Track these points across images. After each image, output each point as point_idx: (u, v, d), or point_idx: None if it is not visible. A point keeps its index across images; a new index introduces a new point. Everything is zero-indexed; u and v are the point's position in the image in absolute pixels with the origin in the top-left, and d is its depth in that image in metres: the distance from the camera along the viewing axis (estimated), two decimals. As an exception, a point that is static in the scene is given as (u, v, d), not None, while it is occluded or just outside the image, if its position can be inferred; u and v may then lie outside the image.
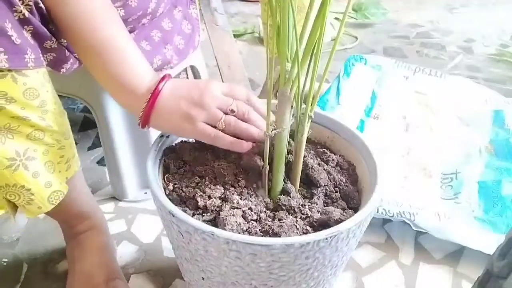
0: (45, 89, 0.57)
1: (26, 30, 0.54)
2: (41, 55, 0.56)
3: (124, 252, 0.82)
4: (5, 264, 0.80)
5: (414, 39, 1.73)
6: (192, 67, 1.01)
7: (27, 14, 0.53)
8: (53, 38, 0.58)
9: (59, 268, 0.79)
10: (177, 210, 0.53)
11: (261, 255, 0.50)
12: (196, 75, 1.03)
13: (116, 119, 0.84)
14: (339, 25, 0.52)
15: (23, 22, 0.53)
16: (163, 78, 0.59)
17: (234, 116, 0.60)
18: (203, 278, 0.58)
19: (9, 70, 0.52)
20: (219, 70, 1.05)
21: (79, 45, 0.59)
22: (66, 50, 0.62)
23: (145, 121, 0.59)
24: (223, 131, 0.59)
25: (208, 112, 0.58)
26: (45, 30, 0.56)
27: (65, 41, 0.61)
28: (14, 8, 0.51)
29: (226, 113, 0.59)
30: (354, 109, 1.05)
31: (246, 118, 0.60)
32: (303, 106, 0.57)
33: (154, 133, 0.88)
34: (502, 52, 1.64)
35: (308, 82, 0.56)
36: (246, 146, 0.59)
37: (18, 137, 0.57)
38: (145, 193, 0.94)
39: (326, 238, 0.51)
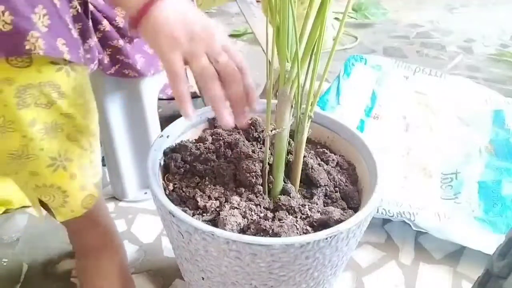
0: (88, 88, 0.57)
1: (76, 27, 0.54)
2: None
3: (124, 252, 0.82)
4: (5, 264, 0.80)
5: (414, 39, 1.73)
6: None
7: (80, 10, 0.54)
8: (94, 37, 0.58)
9: (59, 268, 0.79)
10: (177, 210, 0.53)
11: (261, 255, 0.50)
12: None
13: (116, 119, 0.84)
14: (339, 25, 0.52)
15: (76, 18, 0.54)
16: None
17: (215, 67, 0.52)
18: (203, 278, 0.58)
19: (65, 64, 0.52)
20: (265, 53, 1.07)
21: None
22: (97, 51, 0.61)
23: (136, 20, 0.52)
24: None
25: (195, 47, 0.52)
26: (92, 29, 0.57)
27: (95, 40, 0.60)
28: (70, 4, 0.52)
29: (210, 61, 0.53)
30: (354, 109, 1.05)
31: (226, 78, 0.53)
32: (303, 106, 0.57)
33: (154, 133, 0.88)
34: (502, 52, 1.64)
35: (308, 82, 0.56)
36: (189, 112, 0.52)
37: (61, 137, 0.57)
38: (145, 193, 0.95)
39: (326, 238, 0.51)
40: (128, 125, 0.87)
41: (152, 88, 0.85)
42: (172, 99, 1.22)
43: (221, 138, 0.66)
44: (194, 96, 1.21)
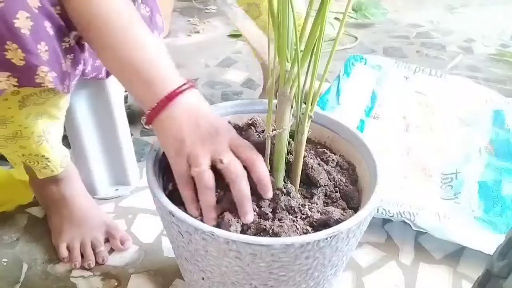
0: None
1: (68, 58, 0.61)
2: (72, 81, 0.64)
3: (124, 252, 0.82)
4: (5, 264, 0.80)
5: (414, 39, 1.73)
6: None
7: (72, 44, 0.60)
8: (83, 64, 0.65)
9: (59, 268, 0.79)
10: (177, 210, 0.53)
11: (261, 255, 0.50)
12: None
13: (83, 117, 0.85)
14: (339, 25, 0.52)
15: (68, 51, 0.60)
16: (186, 84, 0.55)
17: (218, 167, 0.53)
18: (203, 278, 0.58)
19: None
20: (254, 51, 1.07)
21: (105, 48, 0.57)
22: (83, 67, 0.68)
23: (150, 119, 0.55)
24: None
25: (194, 151, 0.53)
26: (81, 57, 0.64)
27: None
28: (64, 38, 0.59)
29: (214, 164, 0.54)
30: (354, 109, 1.05)
31: (229, 177, 0.53)
32: (303, 106, 0.57)
33: (122, 130, 0.90)
34: (502, 52, 1.64)
35: (308, 82, 0.56)
36: (194, 213, 0.55)
37: (46, 118, 0.69)
38: (116, 189, 0.94)
39: (326, 238, 0.51)
40: (95, 122, 0.87)
41: (118, 85, 0.86)
42: None
43: None
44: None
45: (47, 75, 0.56)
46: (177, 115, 0.54)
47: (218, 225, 0.54)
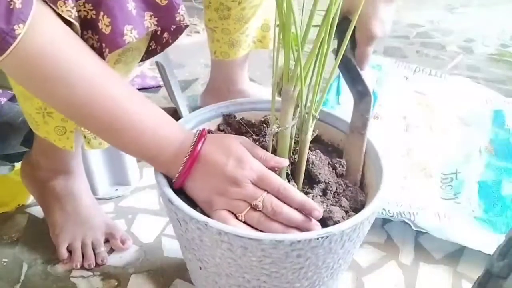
0: None
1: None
2: None
3: (124, 252, 0.82)
4: (5, 264, 0.80)
5: (414, 39, 1.73)
6: (157, 63, 1.05)
7: None
8: None
9: (59, 268, 0.79)
10: (175, 198, 0.55)
11: (251, 249, 0.51)
12: (161, 70, 1.07)
13: None
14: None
15: None
16: (200, 138, 0.57)
17: (260, 211, 0.55)
18: (200, 268, 0.60)
19: None
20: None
21: (95, 126, 0.57)
22: None
23: (180, 185, 0.58)
24: None
25: (229, 204, 0.55)
26: None
27: None
28: None
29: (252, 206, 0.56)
30: (354, 109, 1.04)
31: (273, 215, 0.55)
32: (308, 105, 0.58)
33: None
34: (502, 52, 1.63)
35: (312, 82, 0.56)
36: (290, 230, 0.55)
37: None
38: (116, 189, 0.94)
39: (318, 238, 0.51)
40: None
41: None
42: (137, 90, 1.24)
43: (233, 134, 0.68)
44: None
45: (184, 14, 0.57)
46: (203, 169, 0.56)
47: None
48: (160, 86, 1.26)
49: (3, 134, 0.90)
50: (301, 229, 0.55)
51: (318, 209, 0.54)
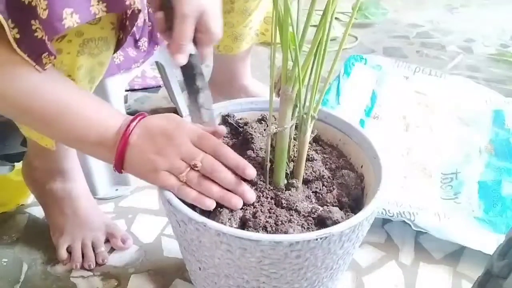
0: None
1: None
2: None
3: (124, 252, 0.82)
4: (5, 264, 0.80)
5: (414, 39, 1.73)
6: (157, 63, 1.05)
7: None
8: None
9: (59, 268, 0.79)
10: (174, 199, 0.55)
11: (250, 249, 0.51)
12: (161, 70, 1.06)
13: None
14: (346, 25, 0.53)
15: None
16: (130, 122, 0.58)
17: (198, 171, 0.57)
18: (200, 268, 0.60)
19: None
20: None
21: (28, 117, 0.58)
22: None
23: (118, 169, 0.60)
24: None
25: (171, 162, 0.57)
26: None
27: None
28: None
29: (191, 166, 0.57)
30: (354, 109, 1.05)
31: (211, 175, 0.57)
32: (307, 105, 0.58)
33: None
34: (502, 52, 1.63)
35: (310, 82, 0.56)
36: (209, 203, 0.56)
37: (93, 74, 0.66)
38: (116, 189, 0.94)
39: (316, 239, 0.51)
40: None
41: (119, 85, 0.87)
42: (137, 89, 1.26)
43: (233, 133, 0.69)
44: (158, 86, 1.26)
45: None
46: (135, 150, 0.58)
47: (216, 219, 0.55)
48: (160, 86, 1.26)
49: (3, 134, 0.90)
50: (234, 192, 0.57)
51: (251, 169, 0.57)
